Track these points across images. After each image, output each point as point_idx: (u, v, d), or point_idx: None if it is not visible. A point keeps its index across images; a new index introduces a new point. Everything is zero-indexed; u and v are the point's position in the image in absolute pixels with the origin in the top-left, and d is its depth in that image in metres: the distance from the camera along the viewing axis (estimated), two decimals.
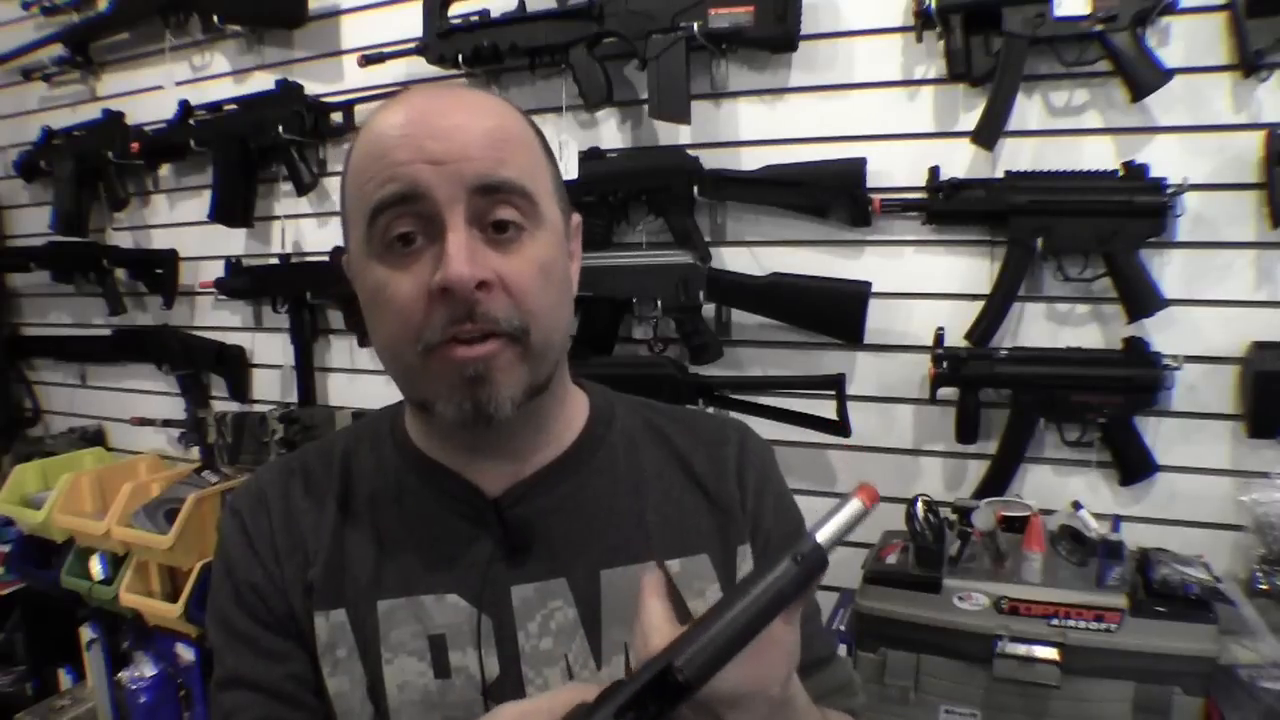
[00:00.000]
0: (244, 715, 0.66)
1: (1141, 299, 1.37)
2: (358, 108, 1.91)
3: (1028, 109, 1.44)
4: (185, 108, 2.08)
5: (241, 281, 2.09)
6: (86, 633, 2.06)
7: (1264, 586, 1.27)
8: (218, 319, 2.25)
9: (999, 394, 1.49)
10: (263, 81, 2.03)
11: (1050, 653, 1.18)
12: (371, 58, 1.81)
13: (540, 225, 0.63)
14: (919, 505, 1.32)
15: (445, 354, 0.60)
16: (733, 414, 1.56)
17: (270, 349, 2.18)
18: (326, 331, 2.09)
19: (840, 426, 1.53)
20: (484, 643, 0.67)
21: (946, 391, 1.49)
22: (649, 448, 0.76)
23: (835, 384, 1.53)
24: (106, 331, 2.38)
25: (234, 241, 2.15)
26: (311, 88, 1.97)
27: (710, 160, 1.61)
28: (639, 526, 0.71)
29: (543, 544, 0.69)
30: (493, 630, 0.67)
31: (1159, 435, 1.43)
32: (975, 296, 1.49)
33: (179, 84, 2.18)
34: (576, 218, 0.73)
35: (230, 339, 2.22)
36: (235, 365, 2.20)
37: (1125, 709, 1.18)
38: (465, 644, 0.67)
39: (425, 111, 0.61)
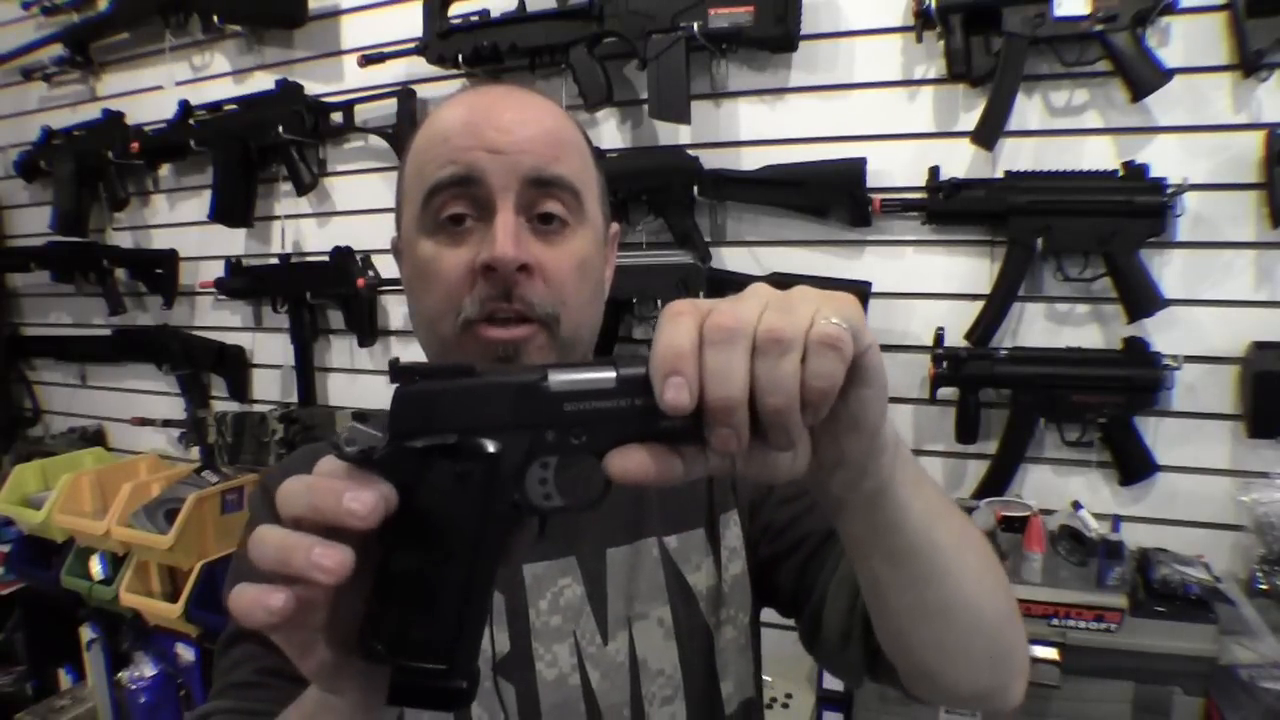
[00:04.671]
0: (249, 665, 0.66)
1: (1141, 299, 1.37)
2: (358, 108, 1.90)
3: (1028, 109, 1.44)
4: (185, 108, 2.08)
5: (241, 281, 2.09)
6: (86, 633, 2.06)
7: (1264, 586, 1.27)
8: (218, 319, 2.25)
9: (999, 394, 1.49)
10: (263, 81, 2.04)
11: (1050, 653, 1.18)
12: (371, 58, 1.82)
13: (583, 223, 0.67)
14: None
15: (479, 333, 0.63)
16: None
17: (270, 349, 2.18)
18: (326, 331, 2.09)
19: None
20: (495, 619, 0.68)
21: (946, 391, 1.49)
22: None
23: None
24: (106, 331, 2.38)
25: (234, 241, 2.15)
26: (311, 88, 1.97)
27: (710, 160, 1.61)
28: (642, 505, 0.73)
29: (554, 523, 0.70)
30: (504, 606, 0.68)
31: (1159, 435, 1.43)
32: (975, 296, 1.49)
33: (179, 84, 2.18)
34: (615, 227, 0.76)
35: (230, 339, 2.22)
36: (235, 365, 2.20)
37: (1125, 709, 1.18)
38: None
39: (490, 105, 0.65)
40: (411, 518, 0.40)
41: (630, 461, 0.39)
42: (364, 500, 0.37)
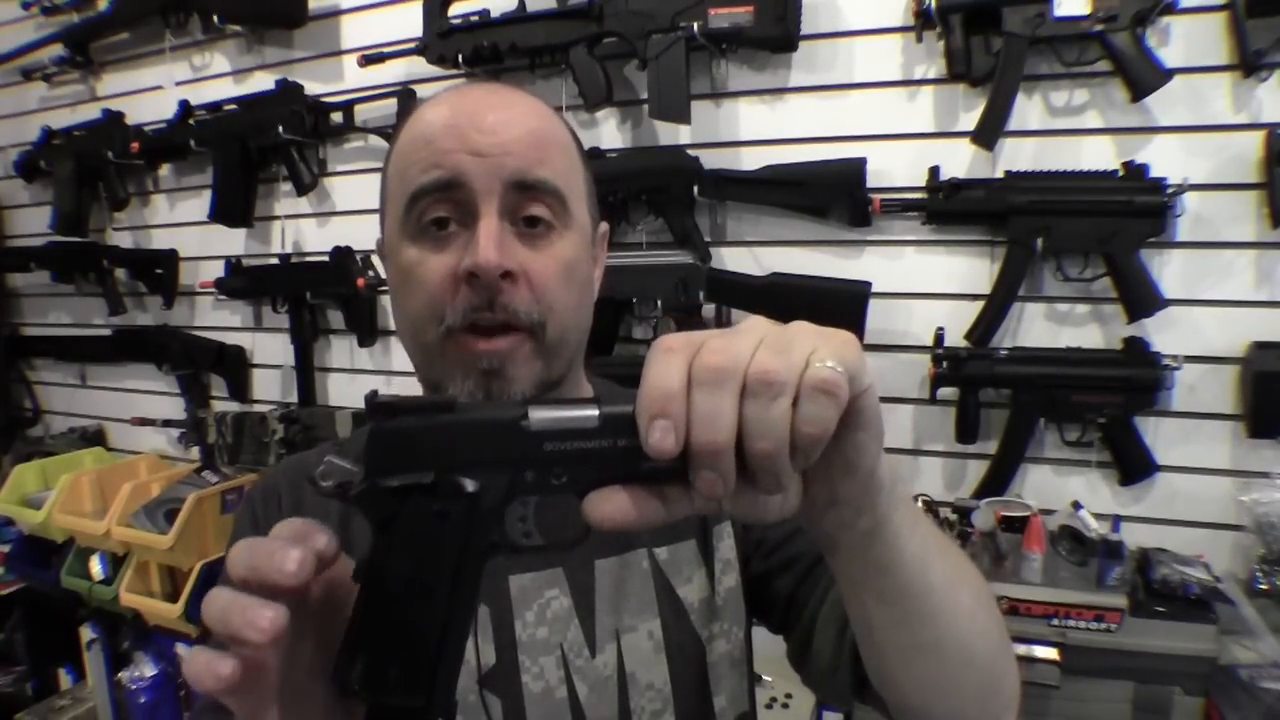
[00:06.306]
0: None
1: (1141, 299, 1.37)
2: (358, 108, 1.90)
3: (1028, 109, 1.44)
4: (185, 108, 2.08)
5: (241, 281, 2.09)
6: (86, 633, 2.06)
7: (1264, 586, 1.27)
8: (218, 319, 2.25)
9: (999, 394, 1.49)
10: (263, 81, 2.03)
11: (1050, 653, 1.18)
12: (371, 58, 1.82)
13: (569, 226, 0.65)
14: (918, 505, 1.32)
15: (464, 343, 0.62)
16: None
17: (270, 349, 2.18)
18: (326, 331, 2.09)
19: None
20: (481, 631, 0.67)
21: (946, 391, 1.49)
22: None
23: None
24: (106, 331, 2.38)
25: (234, 241, 2.15)
26: (311, 88, 1.97)
27: (710, 160, 1.60)
28: None
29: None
30: (490, 619, 0.68)
31: (1159, 435, 1.43)
32: (975, 296, 1.49)
33: (179, 84, 2.18)
34: (604, 226, 0.75)
35: (230, 339, 2.22)
36: (235, 365, 2.20)
37: (1125, 709, 1.18)
38: None
39: (473, 106, 0.64)
40: (388, 555, 0.40)
41: (609, 506, 0.38)
42: (292, 558, 0.38)
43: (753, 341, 0.36)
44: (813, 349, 0.36)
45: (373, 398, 0.40)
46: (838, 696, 0.66)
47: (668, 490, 0.39)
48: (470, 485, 0.39)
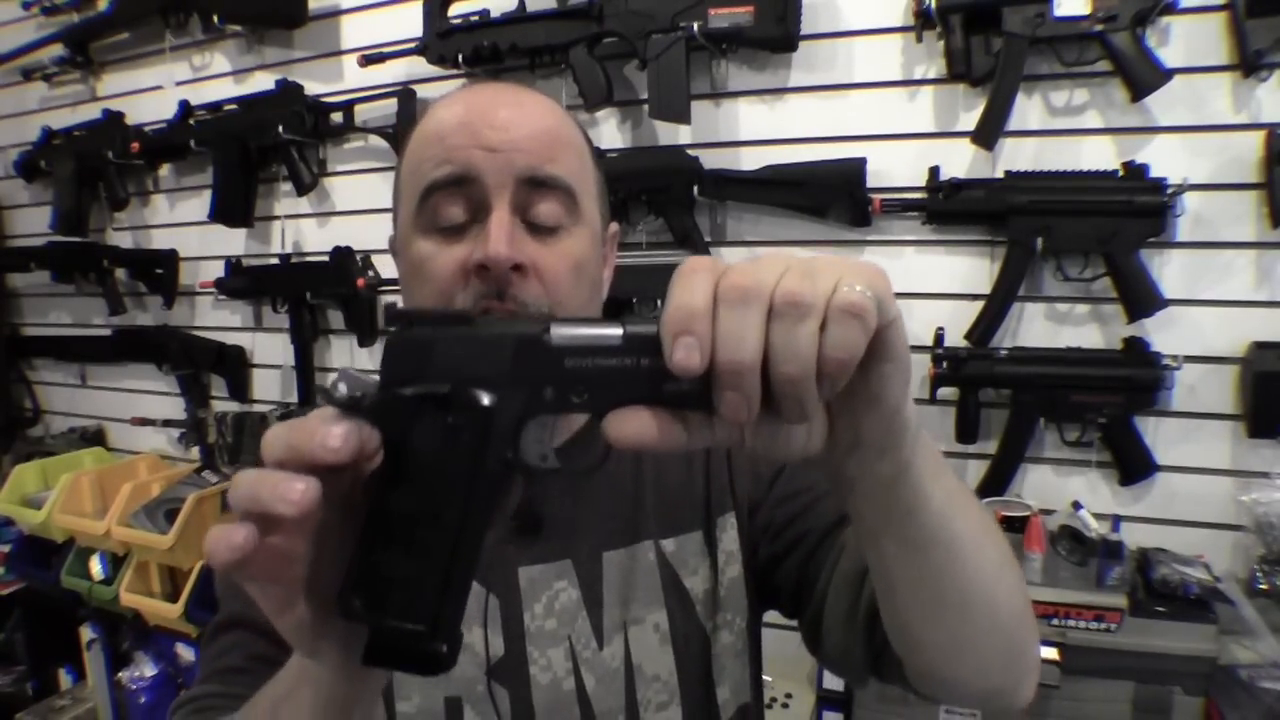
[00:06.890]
0: (239, 651, 0.65)
1: (1141, 299, 1.37)
2: (358, 108, 1.90)
3: (1028, 109, 1.44)
4: (185, 108, 2.08)
5: (241, 281, 2.09)
6: (86, 633, 2.06)
7: (1264, 586, 1.27)
8: (218, 319, 2.25)
9: (999, 394, 1.49)
10: (263, 81, 2.03)
11: (1050, 653, 1.18)
12: (371, 58, 1.82)
13: (579, 224, 0.66)
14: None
15: None
16: None
17: (270, 349, 2.18)
18: (326, 331, 2.09)
19: None
20: (490, 622, 0.67)
21: (946, 391, 1.49)
22: None
23: None
24: (106, 331, 2.38)
25: (234, 241, 2.15)
26: (311, 88, 1.97)
27: (710, 160, 1.61)
28: (638, 508, 0.72)
29: (550, 526, 0.70)
30: (499, 610, 0.68)
31: (1159, 435, 1.43)
32: (975, 296, 1.49)
33: (179, 84, 2.18)
34: (614, 227, 0.75)
35: (230, 339, 2.22)
36: (235, 365, 2.20)
37: (1125, 709, 1.18)
38: (472, 622, 0.67)
39: (486, 103, 0.65)
40: (399, 470, 0.38)
41: (631, 425, 0.37)
42: (336, 433, 0.36)
43: (780, 267, 0.36)
44: (840, 275, 0.35)
45: (393, 308, 0.40)
46: (853, 672, 0.65)
47: (690, 415, 0.38)
48: (486, 399, 0.38)
